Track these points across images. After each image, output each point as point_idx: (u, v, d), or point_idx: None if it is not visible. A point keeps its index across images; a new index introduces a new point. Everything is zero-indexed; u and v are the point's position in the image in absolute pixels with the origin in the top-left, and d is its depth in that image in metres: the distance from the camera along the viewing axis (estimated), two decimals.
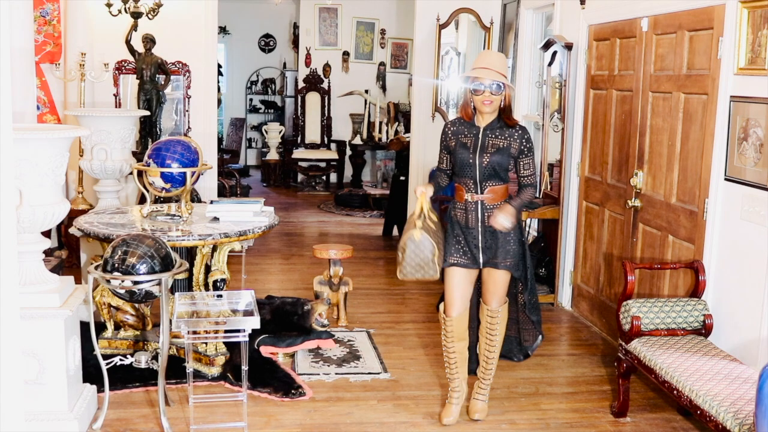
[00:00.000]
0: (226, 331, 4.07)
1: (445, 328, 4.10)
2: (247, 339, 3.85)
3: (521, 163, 3.97)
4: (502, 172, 3.93)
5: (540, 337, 4.31)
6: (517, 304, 4.26)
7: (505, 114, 3.93)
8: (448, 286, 4.07)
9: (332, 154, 12.13)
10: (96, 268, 3.91)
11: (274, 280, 6.90)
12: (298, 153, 12.06)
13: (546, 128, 6.52)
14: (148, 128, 7.15)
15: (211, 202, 5.07)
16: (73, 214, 5.42)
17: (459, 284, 4.05)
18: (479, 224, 3.97)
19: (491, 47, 7.92)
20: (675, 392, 3.73)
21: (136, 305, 4.89)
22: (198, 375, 4.55)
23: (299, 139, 12.26)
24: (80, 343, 4.03)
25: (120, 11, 6.94)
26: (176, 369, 4.55)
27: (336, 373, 4.76)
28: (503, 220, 3.87)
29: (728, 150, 4.21)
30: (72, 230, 5.02)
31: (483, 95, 3.85)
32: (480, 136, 3.94)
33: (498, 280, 4.03)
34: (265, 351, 4.94)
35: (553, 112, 6.44)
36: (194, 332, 4.03)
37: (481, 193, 3.94)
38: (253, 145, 13.93)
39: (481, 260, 4.00)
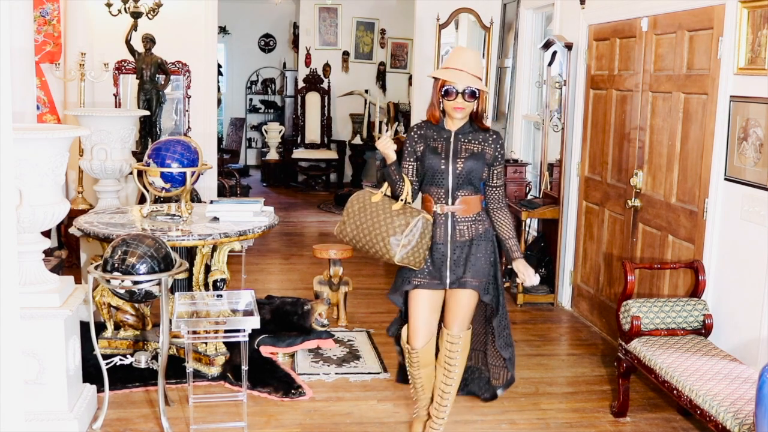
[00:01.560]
0: (226, 331, 4.07)
1: (410, 359, 3.70)
2: (247, 339, 3.85)
3: (494, 171, 3.58)
4: (475, 180, 3.55)
5: (511, 377, 3.79)
6: (486, 334, 3.82)
7: (477, 119, 3.55)
8: (412, 311, 3.63)
9: (332, 154, 12.13)
10: (96, 268, 3.91)
11: (274, 280, 6.90)
12: (298, 153, 12.06)
13: (546, 128, 6.52)
14: (148, 128, 7.15)
15: (211, 202, 5.07)
16: (73, 214, 5.42)
17: (425, 309, 3.61)
18: (448, 239, 3.54)
19: (491, 47, 7.92)
20: (675, 392, 3.73)
21: (136, 305, 4.89)
22: (198, 375, 4.55)
23: (299, 139, 12.26)
24: (80, 343, 4.04)
25: (120, 11, 6.94)
26: (176, 369, 4.55)
27: (336, 373, 4.76)
28: (532, 274, 3.55)
29: (728, 150, 4.21)
30: (72, 230, 5.02)
31: (455, 101, 3.44)
32: (452, 140, 3.53)
33: (462, 301, 3.59)
34: (265, 351, 4.94)
35: (553, 112, 6.44)
36: (194, 332, 4.03)
37: (452, 203, 3.53)
38: (253, 145, 13.93)
39: (448, 279, 3.56)
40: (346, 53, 12.55)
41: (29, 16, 5.61)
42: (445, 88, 3.45)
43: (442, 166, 3.51)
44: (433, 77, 3.56)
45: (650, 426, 4.18)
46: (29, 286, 3.73)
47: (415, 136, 3.60)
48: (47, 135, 3.67)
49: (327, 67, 12.46)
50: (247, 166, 13.40)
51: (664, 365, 3.85)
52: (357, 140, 12.05)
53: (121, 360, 4.78)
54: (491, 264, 3.59)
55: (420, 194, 3.66)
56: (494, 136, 3.56)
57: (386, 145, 3.49)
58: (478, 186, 3.58)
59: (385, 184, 3.60)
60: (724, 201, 4.27)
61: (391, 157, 3.53)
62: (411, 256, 3.43)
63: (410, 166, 3.62)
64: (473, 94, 3.45)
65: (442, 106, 3.51)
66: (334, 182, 12.25)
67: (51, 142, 3.65)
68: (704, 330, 4.22)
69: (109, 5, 6.87)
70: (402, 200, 3.50)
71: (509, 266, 3.69)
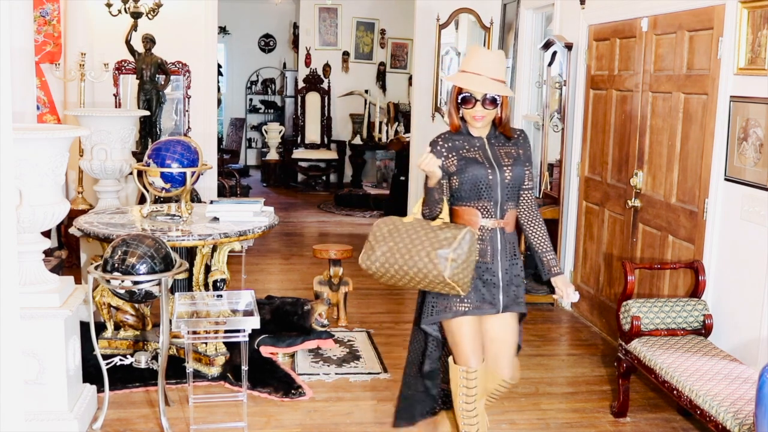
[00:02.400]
0: (226, 331, 4.07)
1: (467, 384, 3.25)
2: (247, 339, 3.85)
3: (527, 172, 3.29)
4: (518, 189, 3.24)
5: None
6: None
7: (501, 125, 3.21)
8: (459, 337, 3.23)
9: (332, 154, 12.13)
10: (96, 268, 3.91)
11: (274, 280, 6.90)
12: (298, 153, 12.06)
13: (546, 128, 6.52)
14: (148, 128, 7.15)
15: (211, 202, 5.07)
16: (73, 214, 5.42)
17: (475, 334, 3.23)
18: (499, 257, 3.19)
19: (491, 47, 7.92)
20: (675, 392, 3.73)
21: (136, 305, 4.89)
22: (198, 375, 4.55)
23: (299, 139, 12.27)
24: (80, 343, 4.03)
25: (120, 11, 6.94)
26: (176, 369, 4.55)
27: (336, 373, 4.76)
28: (572, 291, 3.26)
29: (728, 150, 4.21)
30: (72, 230, 5.02)
31: (473, 109, 3.11)
32: (487, 147, 3.20)
33: (513, 325, 3.30)
34: (265, 351, 4.94)
35: (553, 112, 6.44)
36: (194, 332, 4.03)
37: (502, 217, 3.18)
38: (253, 145, 13.93)
39: (501, 303, 3.22)
40: (346, 53, 12.55)
41: (29, 16, 5.61)
42: (463, 95, 3.12)
43: (490, 177, 3.14)
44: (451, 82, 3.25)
45: (650, 426, 4.18)
46: (29, 286, 3.73)
47: (443, 150, 3.17)
48: (47, 135, 3.67)
49: (327, 68, 12.46)
50: (247, 166, 13.40)
51: (664, 365, 3.85)
52: (357, 140, 12.05)
53: (121, 360, 4.78)
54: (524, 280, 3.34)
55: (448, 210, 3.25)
56: (523, 136, 3.28)
57: (430, 163, 3.07)
58: (517, 196, 3.26)
59: (417, 206, 3.23)
60: (724, 201, 4.27)
61: (437, 174, 3.09)
62: (461, 273, 3.01)
63: (443, 184, 3.19)
64: (494, 101, 3.10)
65: (461, 113, 3.18)
66: (334, 182, 12.26)
67: (51, 142, 3.65)
68: (704, 330, 4.22)
69: (109, 5, 6.87)
70: (441, 218, 3.16)
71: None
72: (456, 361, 3.27)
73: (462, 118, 3.19)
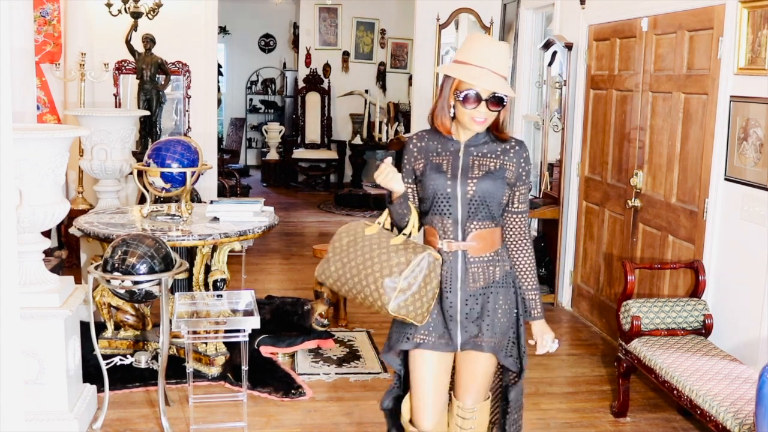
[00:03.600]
0: (226, 331, 4.07)
1: None
2: (247, 339, 3.85)
3: (517, 192, 2.76)
4: (494, 206, 2.71)
5: None
6: (504, 399, 2.94)
7: (496, 128, 2.72)
8: (416, 379, 2.79)
9: (332, 154, 12.14)
10: (96, 268, 3.91)
11: (274, 280, 6.90)
12: (298, 153, 12.07)
13: (546, 128, 6.52)
14: (148, 128, 7.15)
15: (211, 202, 5.07)
16: (73, 214, 5.42)
17: (432, 376, 2.78)
18: (458, 286, 2.71)
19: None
20: (675, 392, 3.73)
21: (136, 305, 4.89)
22: (198, 375, 4.55)
23: (299, 139, 12.27)
24: (80, 343, 4.04)
25: (120, 11, 6.94)
26: (176, 369, 4.55)
27: (336, 373, 4.76)
28: (550, 340, 2.84)
29: (728, 150, 4.21)
30: (72, 230, 5.02)
31: (475, 110, 2.62)
32: (461, 154, 2.71)
33: (478, 368, 2.79)
34: (265, 351, 4.94)
35: (553, 112, 6.44)
36: (194, 332, 4.03)
37: (464, 238, 2.70)
38: (253, 145, 13.93)
39: (459, 339, 2.74)
40: (346, 53, 12.55)
41: (29, 16, 5.61)
42: (465, 92, 2.61)
43: (449, 189, 2.68)
44: (444, 74, 2.69)
45: (650, 426, 4.18)
46: (29, 286, 3.73)
47: (414, 150, 2.77)
48: (47, 135, 3.67)
49: (327, 67, 12.46)
50: (247, 166, 13.40)
51: (664, 365, 3.85)
52: (357, 140, 12.05)
53: (121, 360, 4.78)
54: (513, 317, 2.80)
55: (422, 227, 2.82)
56: (517, 147, 2.73)
57: (389, 178, 2.65)
58: (496, 215, 2.74)
59: (384, 214, 2.79)
60: (724, 201, 4.27)
61: (398, 190, 2.69)
62: (411, 305, 2.59)
63: (409, 189, 2.80)
64: (500, 102, 2.62)
65: (453, 111, 2.68)
66: (334, 182, 12.26)
67: (51, 142, 3.65)
68: (704, 330, 4.22)
69: (109, 5, 6.87)
70: (404, 234, 2.72)
71: None
72: (410, 410, 2.85)
73: (453, 117, 2.70)
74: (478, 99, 2.61)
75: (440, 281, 2.70)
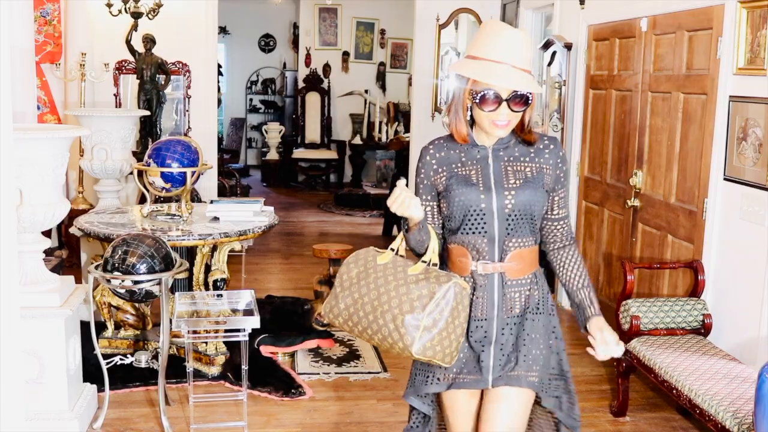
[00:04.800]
0: (226, 331, 4.08)
1: None
2: (247, 338, 3.85)
3: (557, 197, 2.42)
4: (534, 220, 2.36)
5: None
6: None
7: (522, 131, 2.37)
8: (456, 426, 2.46)
9: (332, 154, 12.15)
10: (96, 267, 3.91)
11: (274, 280, 6.91)
12: (298, 153, 12.08)
13: (546, 128, 6.53)
14: (148, 128, 7.15)
15: (211, 202, 5.08)
16: (73, 214, 5.42)
17: (469, 419, 2.44)
18: (495, 313, 2.36)
19: None
20: (674, 392, 3.74)
21: (136, 305, 4.89)
22: (198, 374, 4.55)
23: (299, 139, 12.28)
24: (80, 343, 4.04)
25: (120, 11, 6.94)
26: (176, 368, 4.55)
27: (336, 373, 4.76)
28: (614, 342, 2.32)
29: (727, 150, 4.21)
30: (72, 230, 5.03)
31: (495, 111, 2.25)
32: (490, 161, 2.36)
33: (514, 406, 2.36)
34: (265, 350, 4.94)
35: (552, 111, 6.44)
36: (194, 332, 4.04)
37: (501, 259, 2.35)
38: (253, 145, 13.94)
39: (490, 374, 2.36)
40: (346, 53, 12.56)
41: (29, 16, 5.61)
42: (481, 93, 2.24)
43: (483, 204, 2.32)
44: (458, 73, 2.32)
45: (650, 425, 4.19)
46: (29, 285, 3.74)
47: (433, 161, 2.39)
48: (48, 135, 3.67)
49: (327, 68, 12.47)
50: (247, 166, 13.41)
51: (663, 365, 3.86)
52: (357, 140, 12.07)
53: (121, 359, 4.79)
54: (555, 348, 2.42)
55: (443, 247, 2.45)
56: (552, 146, 2.39)
57: (406, 204, 2.25)
58: (534, 230, 2.38)
59: (398, 239, 2.39)
60: (724, 201, 4.28)
61: (417, 217, 2.30)
62: (437, 345, 2.21)
63: (428, 207, 2.44)
64: (525, 101, 2.26)
65: (470, 114, 2.33)
66: (334, 182, 12.28)
67: (51, 142, 3.66)
68: (703, 330, 4.23)
69: (109, 5, 6.88)
70: (424, 261, 2.33)
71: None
72: None
73: (471, 122, 2.35)
74: (498, 99, 2.23)
75: (470, 312, 2.33)
